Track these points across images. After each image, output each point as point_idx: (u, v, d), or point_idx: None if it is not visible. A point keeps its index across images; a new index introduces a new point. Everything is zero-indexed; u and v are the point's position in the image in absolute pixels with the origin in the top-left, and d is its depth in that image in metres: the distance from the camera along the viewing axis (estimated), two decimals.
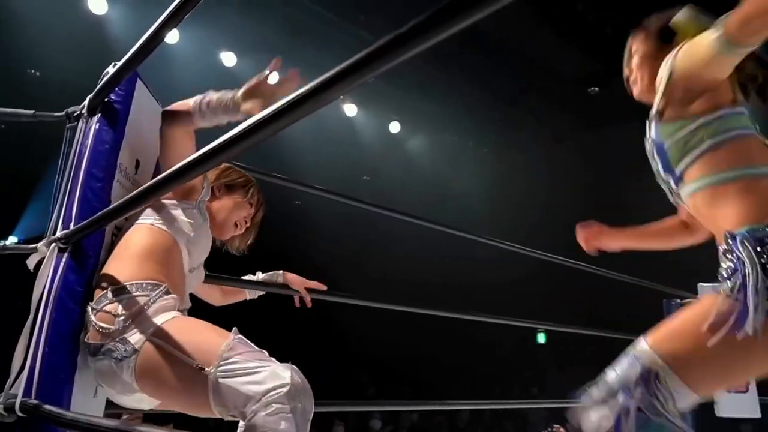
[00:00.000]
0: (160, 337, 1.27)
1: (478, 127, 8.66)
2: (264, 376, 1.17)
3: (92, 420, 1.02)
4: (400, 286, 7.31)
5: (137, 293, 1.35)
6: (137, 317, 1.31)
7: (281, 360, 1.26)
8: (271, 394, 1.14)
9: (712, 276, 3.84)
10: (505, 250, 3.08)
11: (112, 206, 1.27)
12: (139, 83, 1.63)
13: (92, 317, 1.35)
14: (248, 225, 1.80)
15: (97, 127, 1.54)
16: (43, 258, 1.46)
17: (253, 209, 1.79)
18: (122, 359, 1.27)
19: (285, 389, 1.15)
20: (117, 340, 1.29)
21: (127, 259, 1.44)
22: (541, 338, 8.42)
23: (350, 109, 8.86)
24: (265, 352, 1.28)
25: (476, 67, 7.65)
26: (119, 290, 1.36)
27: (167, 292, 1.39)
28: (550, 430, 3.49)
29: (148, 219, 1.52)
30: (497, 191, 8.52)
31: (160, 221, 1.51)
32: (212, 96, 1.52)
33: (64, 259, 1.43)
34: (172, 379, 1.23)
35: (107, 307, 1.34)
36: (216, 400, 1.18)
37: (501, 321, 3.00)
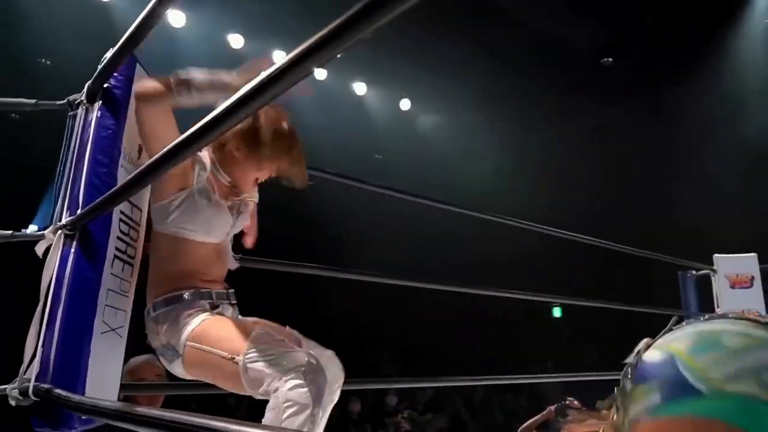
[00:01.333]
0: (195, 341, 1.52)
1: (490, 104, 8.55)
2: (283, 360, 1.40)
3: (96, 402, 1.05)
4: (414, 265, 7.31)
5: (166, 309, 1.58)
6: (173, 329, 1.55)
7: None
8: (290, 373, 1.37)
9: (727, 247, 3.79)
10: (521, 227, 3.08)
11: (113, 190, 1.28)
12: (138, 68, 1.63)
13: (147, 325, 1.62)
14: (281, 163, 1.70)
15: (99, 114, 1.54)
16: (51, 245, 1.47)
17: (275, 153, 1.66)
18: (172, 361, 1.57)
19: (302, 369, 1.38)
20: (165, 345, 1.57)
21: (153, 274, 1.63)
22: (557, 312, 8.40)
23: (360, 88, 8.79)
24: (286, 339, 1.51)
25: (487, 42, 7.54)
26: (156, 305, 1.60)
27: (195, 296, 1.58)
28: (564, 402, 3.49)
29: (158, 226, 1.62)
30: (510, 167, 8.45)
31: (167, 226, 1.60)
32: (197, 75, 1.51)
33: (73, 247, 1.44)
34: (212, 369, 1.51)
35: (151, 321, 1.60)
36: (247, 382, 1.42)
37: (518, 296, 3.00)
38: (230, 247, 1.78)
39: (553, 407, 3.61)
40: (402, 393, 7.20)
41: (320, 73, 8.20)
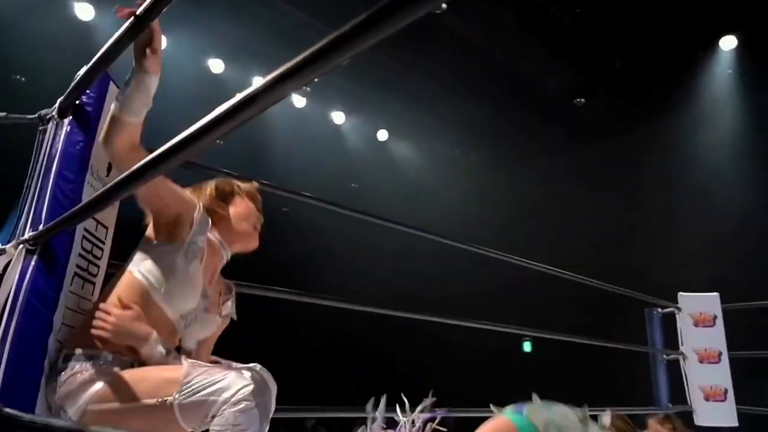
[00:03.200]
0: (102, 401, 1.35)
1: (466, 138, 8.69)
2: (227, 383, 1.32)
3: (49, 422, 1.02)
4: (389, 294, 7.30)
5: (77, 367, 1.39)
6: (70, 389, 1.37)
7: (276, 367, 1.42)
8: (237, 394, 1.30)
9: (691, 287, 3.86)
10: (492, 258, 3.11)
11: (78, 206, 1.26)
12: (112, 87, 1.63)
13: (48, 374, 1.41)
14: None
15: (68, 129, 1.54)
16: (11, 261, 1.44)
17: (257, 204, 1.74)
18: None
19: (249, 388, 1.31)
20: (54, 406, 1.39)
21: (91, 316, 1.44)
22: (527, 347, 8.43)
23: (338, 117, 8.87)
24: (217, 367, 1.43)
25: (465, 77, 7.70)
26: (67, 357, 1.41)
27: (115, 362, 1.40)
28: None
29: (132, 265, 1.51)
30: (484, 201, 8.55)
31: (140, 267, 1.49)
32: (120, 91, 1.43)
33: (33, 262, 1.42)
34: (130, 424, 1.34)
35: (57, 375, 1.40)
36: (187, 419, 1.32)
37: (491, 327, 3.01)
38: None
39: None
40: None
41: (299, 101, 8.27)
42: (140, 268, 1.49)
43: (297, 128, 8.41)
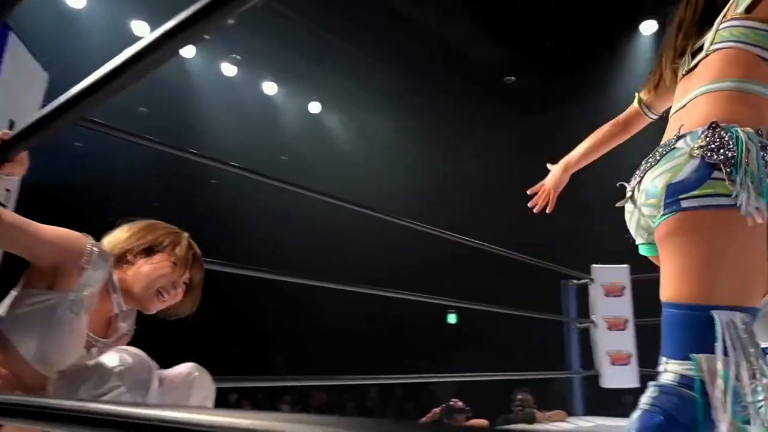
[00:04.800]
0: None
1: (399, 111, 8.74)
2: (96, 367, 1.23)
3: None
4: (315, 264, 7.33)
5: None
6: None
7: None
8: (108, 383, 1.21)
9: (604, 259, 4.10)
10: (419, 231, 3.19)
11: None
12: (13, 38, 1.53)
13: None
14: (180, 290, 1.47)
15: None
16: None
17: (182, 269, 1.46)
18: None
19: (118, 369, 1.22)
20: None
21: None
22: (452, 318, 8.69)
23: (270, 87, 8.71)
24: (95, 349, 1.35)
25: (400, 51, 7.73)
26: None
27: None
28: (450, 403, 3.63)
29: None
30: (416, 174, 8.67)
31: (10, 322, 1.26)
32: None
33: None
34: None
35: None
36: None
37: (416, 298, 3.10)
38: None
39: (438, 409, 3.74)
40: (294, 398, 7.17)
41: (230, 70, 8.05)
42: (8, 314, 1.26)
43: (227, 98, 8.20)
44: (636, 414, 1.02)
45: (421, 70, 7.99)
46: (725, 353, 0.93)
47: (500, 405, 4.45)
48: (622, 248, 5.37)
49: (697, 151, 1.00)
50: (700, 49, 1.14)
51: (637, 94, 1.50)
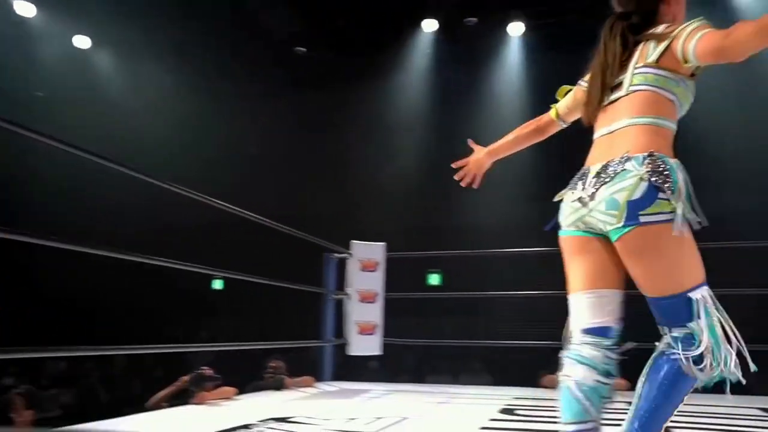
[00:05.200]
0: None
1: (182, 65, 8.14)
2: None
3: None
4: (70, 229, 6.58)
5: None
6: None
7: None
8: None
9: (361, 236, 4.34)
10: (189, 196, 3.02)
11: None
12: None
13: None
14: None
15: None
16: None
17: None
18: None
19: None
20: None
21: None
22: (218, 284, 8.53)
23: (25, 8, 7.47)
24: None
25: (191, 1, 7.20)
26: None
27: None
28: (199, 371, 3.56)
29: None
30: (190, 134, 8.22)
31: None
32: None
33: None
34: None
35: None
36: None
37: (174, 266, 2.94)
38: None
39: (187, 377, 3.64)
40: (22, 367, 6.41)
41: None
42: None
43: None
44: (670, 362, 1.39)
45: (210, 26, 7.55)
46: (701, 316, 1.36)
47: (257, 373, 4.50)
48: (380, 228, 5.81)
49: (646, 176, 1.34)
50: (618, 85, 1.47)
51: (553, 107, 1.80)
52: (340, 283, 4.69)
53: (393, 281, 5.16)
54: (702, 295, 1.36)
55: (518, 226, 6.96)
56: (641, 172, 1.34)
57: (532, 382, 5.36)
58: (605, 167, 1.40)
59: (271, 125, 8.21)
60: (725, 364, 1.35)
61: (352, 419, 2.76)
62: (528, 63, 7.60)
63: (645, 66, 1.43)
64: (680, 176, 1.35)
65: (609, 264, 1.45)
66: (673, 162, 1.37)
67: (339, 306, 4.69)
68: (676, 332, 1.38)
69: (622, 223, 1.36)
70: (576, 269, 1.50)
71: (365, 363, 6.31)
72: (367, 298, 4.41)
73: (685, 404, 1.42)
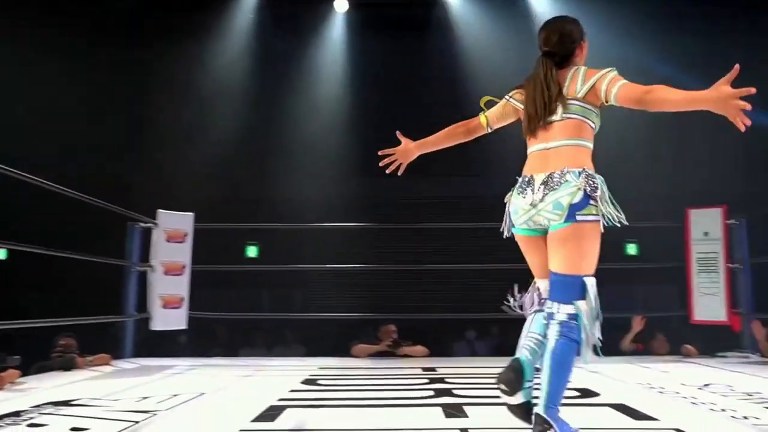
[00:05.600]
0: None
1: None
2: None
3: None
4: None
5: None
6: None
7: None
8: None
9: (174, 207, 4.10)
10: None
11: None
12: None
13: None
14: None
15: None
16: None
17: None
18: None
19: None
20: None
21: None
22: (1, 254, 7.54)
23: None
24: None
25: None
26: None
27: None
28: None
29: None
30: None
31: None
32: None
33: None
34: None
35: None
36: None
37: None
38: None
39: None
40: None
41: None
42: None
43: None
44: (553, 343, 1.75)
45: None
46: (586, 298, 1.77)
47: (46, 353, 4.07)
48: (194, 199, 5.55)
49: (582, 186, 1.78)
50: (552, 111, 1.88)
51: (483, 114, 2.10)
52: (146, 255, 4.41)
53: (209, 253, 4.99)
54: (591, 283, 1.78)
55: (335, 202, 7.11)
56: (579, 183, 1.78)
57: (343, 352, 5.56)
58: (550, 177, 1.83)
59: (69, 81, 7.34)
60: (595, 334, 1.77)
61: (145, 398, 2.63)
62: (350, 41, 7.68)
63: (575, 99, 1.87)
64: (604, 188, 1.83)
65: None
66: (599, 177, 1.84)
67: (143, 279, 4.41)
68: (561, 315, 1.77)
69: (563, 220, 1.79)
70: (533, 262, 1.96)
71: (174, 338, 6.05)
72: (173, 270, 4.20)
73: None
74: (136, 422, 2.12)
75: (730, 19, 6.98)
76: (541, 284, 1.93)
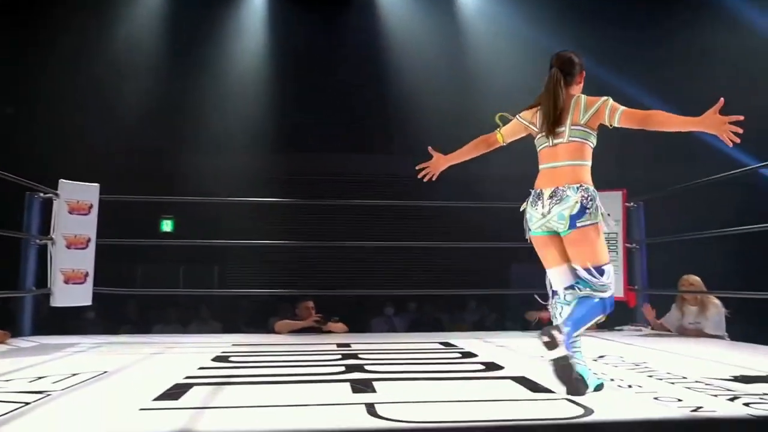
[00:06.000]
0: None
1: None
2: None
3: None
4: None
5: None
6: None
7: None
8: None
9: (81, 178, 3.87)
10: None
11: None
12: None
13: None
14: None
15: None
16: None
17: None
18: None
19: None
20: None
21: None
22: None
23: None
24: None
25: None
26: None
27: None
28: None
29: None
30: None
31: None
32: None
33: None
34: None
35: None
36: None
37: None
38: None
39: None
40: None
41: None
42: None
43: None
44: (577, 302, 2.23)
45: None
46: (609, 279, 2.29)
47: None
48: (103, 170, 5.25)
49: (580, 200, 2.22)
50: (557, 134, 2.30)
51: (499, 132, 2.52)
52: (43, 228, 4.16)
53: (122, 227, 4.75)
54: (608, 268, 2.27)
55: (253, 177, 6.96)
56: (577, 197, 2.22)
57: (260, 327, 5.48)
58: (555, 192, 2.26)
59: None
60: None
61: (40, 378, 2.49)
62: (271, 11, 7.45)
63: (578, 125, 2.29)
64: (597, 199, 2.24)
65: (562, 250, 2.31)
66: (593, 190, 2.26)
67: (43, 252, 4.16)
68: (585, 291, 2.25)
69: (567, 228, 2.24)
70: (548, 255, 2.34)
71: (80, 314, 5.77)
72: (76, 244, 3.97)
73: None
74: (27, 403, 2.00)
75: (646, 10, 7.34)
76: (550, 272, 2.35)
